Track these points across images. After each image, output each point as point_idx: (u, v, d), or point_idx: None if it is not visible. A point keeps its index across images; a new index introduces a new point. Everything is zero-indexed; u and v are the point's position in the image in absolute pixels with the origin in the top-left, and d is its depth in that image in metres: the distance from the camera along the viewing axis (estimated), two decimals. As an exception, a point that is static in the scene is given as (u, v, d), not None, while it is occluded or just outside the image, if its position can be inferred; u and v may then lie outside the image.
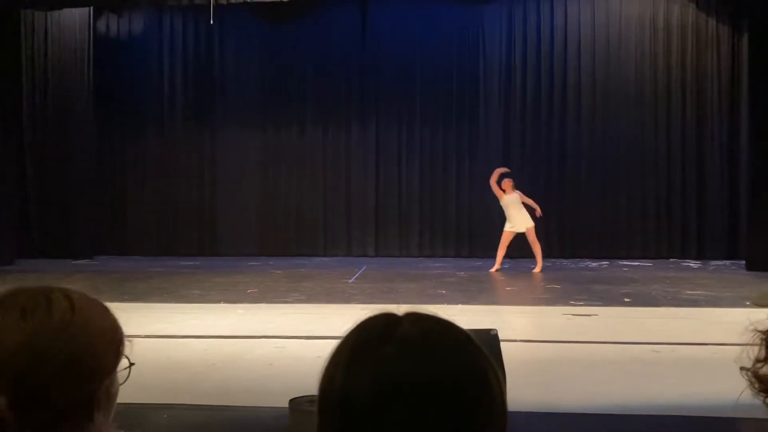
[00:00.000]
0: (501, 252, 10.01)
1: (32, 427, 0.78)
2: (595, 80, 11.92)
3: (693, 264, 11.00)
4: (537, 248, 9.94)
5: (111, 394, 0.86)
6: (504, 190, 9.97)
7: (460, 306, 6.92)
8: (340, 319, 5.99)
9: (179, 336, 5.61)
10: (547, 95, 12.02)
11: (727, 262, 10.97)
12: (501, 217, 12.24)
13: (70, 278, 9.01)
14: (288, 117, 12.43)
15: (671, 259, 11.36)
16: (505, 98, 12.11)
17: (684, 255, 11.49)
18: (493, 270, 9.95)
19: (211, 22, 10.76)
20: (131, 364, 0.87)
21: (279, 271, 10.06)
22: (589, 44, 11.92)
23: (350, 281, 9.02)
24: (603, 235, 11.70)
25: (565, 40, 11.99)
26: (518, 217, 9.89)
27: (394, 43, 12.07)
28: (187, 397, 3.78)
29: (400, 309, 0.76)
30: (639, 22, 11.83)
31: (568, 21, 11.99)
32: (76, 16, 11.79)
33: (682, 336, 5.54)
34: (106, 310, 0.88)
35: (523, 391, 3.48)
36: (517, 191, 10.06)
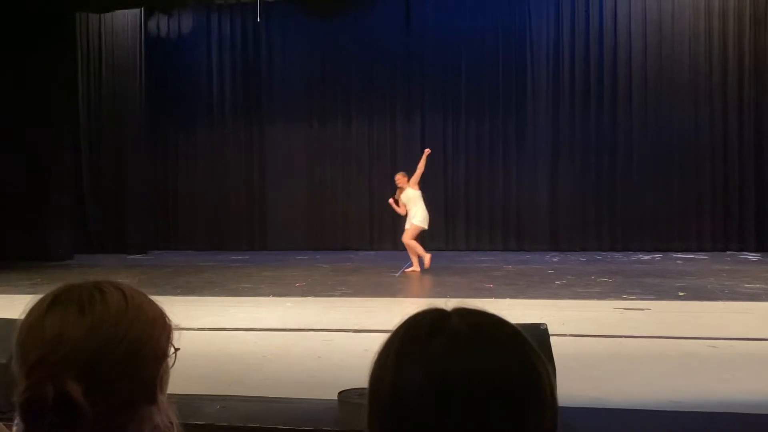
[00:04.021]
0: (420, 249, 9.10)
1: (103, 413, 0.81)
2: (646, 68, 11.60)
3: (752, 256, 10.62)
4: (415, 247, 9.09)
5: (167, 376, 0.89)
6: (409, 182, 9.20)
7: (508, 300, 6.86)
8: (387, 312, 6.03)
9: (231, 329, 5.73)
10: (596, 84, 11.76)
11: (789, 255, 10.56)
12: (548, 210, 12.05)
13: (127, 272, 9.29)
14: (334, 111, 12.51)
15: (728, 252, 11.00)
16: (552, 88, 11.90)
17: (742, 247, 11.11)
18: (412, 269, 9.04)
19: (258, 19, 10.91)
20: (176, 349, 0.90)
21: (326, 265, 10.15)
22: (640, 30, 11.59)
23: (396, 275, 9.04)
24: (656, 227, 11.40)
25: (614, 27, 11.70)
26: (424, 211, 9.13)
27: (438, 35, 11.99)
28: (238, 389, 3.86)
29: (447, 303, 0.76)
30: (693, 8, 11.45)
31: (617, 7, 11.69)
32: (128, 17, 12.12)
33: (741, 331, 5.37)
34: (151, 299, 0.92)
35: (573, 386, 3.43)
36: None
